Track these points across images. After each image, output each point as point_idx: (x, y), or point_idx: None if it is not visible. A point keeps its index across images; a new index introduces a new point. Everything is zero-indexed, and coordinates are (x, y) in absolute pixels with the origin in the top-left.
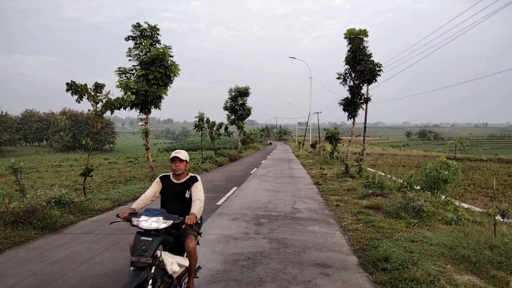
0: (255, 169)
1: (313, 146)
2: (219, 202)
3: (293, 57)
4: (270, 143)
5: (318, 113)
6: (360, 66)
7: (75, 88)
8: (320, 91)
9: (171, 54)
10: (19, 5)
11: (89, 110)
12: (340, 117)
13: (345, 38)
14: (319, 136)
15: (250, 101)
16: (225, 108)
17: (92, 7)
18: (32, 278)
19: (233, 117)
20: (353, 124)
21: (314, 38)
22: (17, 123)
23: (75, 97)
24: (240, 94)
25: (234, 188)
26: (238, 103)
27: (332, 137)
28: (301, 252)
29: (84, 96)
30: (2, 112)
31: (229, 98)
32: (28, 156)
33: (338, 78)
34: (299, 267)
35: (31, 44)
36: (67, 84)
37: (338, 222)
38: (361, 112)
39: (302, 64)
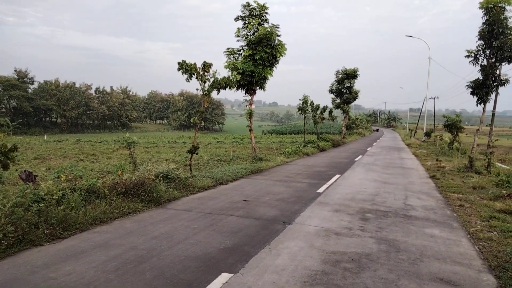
0: (360, 156)
1: (427, 134)
2: (320, 190)
3: (410, 36)
4: (377, 130)
5: (434, 98)
6: (498, 41)
7: (185, 67)
8: (437, 75)
9: (278, 33)
10: None
11: (197, 89)
12: (459, 103)
13: (480, 8)
14: (434, 124)
15: (357, 84)
16: (331, 91)
17: None
18: (131, 252)
19: (338, 100)
20: (483, 110)
21: (434, 16)
22: (143, 102)
23: (185, 76)
24: (348, 76)
25: (337, 176)
26: (345, 85)
27: (453, 125)
28: (418, 261)
29: (193, 75)
30: (132, 93)
31: (335, 80)
32: (151, 133)
33: (468, 56)
34: (417, 280)
35: (157, 31)
36: (179, 63)
37: (464, 227)
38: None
39: (417, 46)
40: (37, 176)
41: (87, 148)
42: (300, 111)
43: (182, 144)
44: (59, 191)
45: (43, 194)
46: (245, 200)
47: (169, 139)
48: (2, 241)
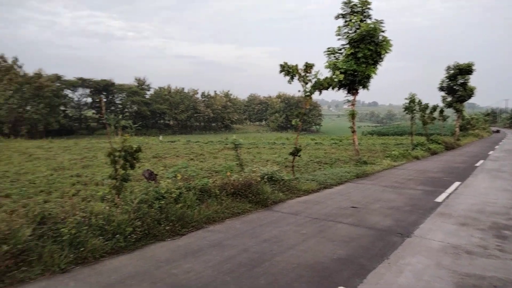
0: (481, 161)
1: None
2: (438, 199)
3: None
4: (498, 131)
5: None
6: None
7: (287, 69)
8: None
9: (383, 29)
10: (245, 3)
11: (298, 90)
12: None
13: None
14: None
15: (472, 81)
16: (441, 89)
17: None
18: (244, 255)
19: (450, 98)
20: None
21: None
22: (244, 105)
23: (287, 78)
24: (461, 71)
25: (457, 183)
26: (457, 82)
27: None
28: None
29: (294, 77)
30: (234, 97)
31: (446, 76)
32: (251, 134)
33: None
34: None
35: (256, 36)
36: (280, 65)
37: None
38: None
39: None
40: (157, 175)
41: (196, 148)
42: (406, 111)
43: (280, 145)
44: (176, 189)
45: (163, 192)
46: (353, 207)
47: (268, 140)
48: (132, 235)
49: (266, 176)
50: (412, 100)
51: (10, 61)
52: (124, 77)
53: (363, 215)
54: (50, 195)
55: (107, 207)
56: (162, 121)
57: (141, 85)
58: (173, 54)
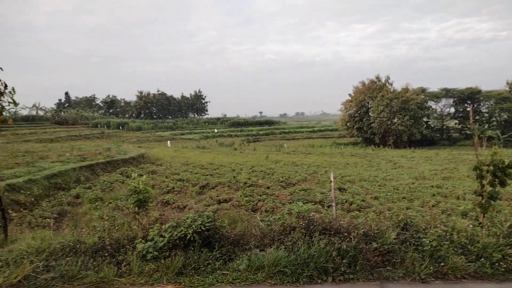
0: None
1: None
2: None
3: None
4: None
5: None
6: None
7: None
8: None
9: None
10: None
11: None
12: None
13: None
14: None
15: None
16: None
17: None
18: None
19: None
20: None
21: None
22: None
23: None
24: None
25: None
26: None
27: None
28: None
29: None
30: None
31: None
32: None
33: None
34: None
35: None
36: None
37: None
38: None
39: None
40: None
41: None
42: None
43: None
44: None
45: None
46: None
47: None
48: (501, 262)
49: None
50: None
51: (383, 80)
52: (492, 83)
53: None
54: (411, 202)
55: (470, 225)
56: None
57: None
58: None
